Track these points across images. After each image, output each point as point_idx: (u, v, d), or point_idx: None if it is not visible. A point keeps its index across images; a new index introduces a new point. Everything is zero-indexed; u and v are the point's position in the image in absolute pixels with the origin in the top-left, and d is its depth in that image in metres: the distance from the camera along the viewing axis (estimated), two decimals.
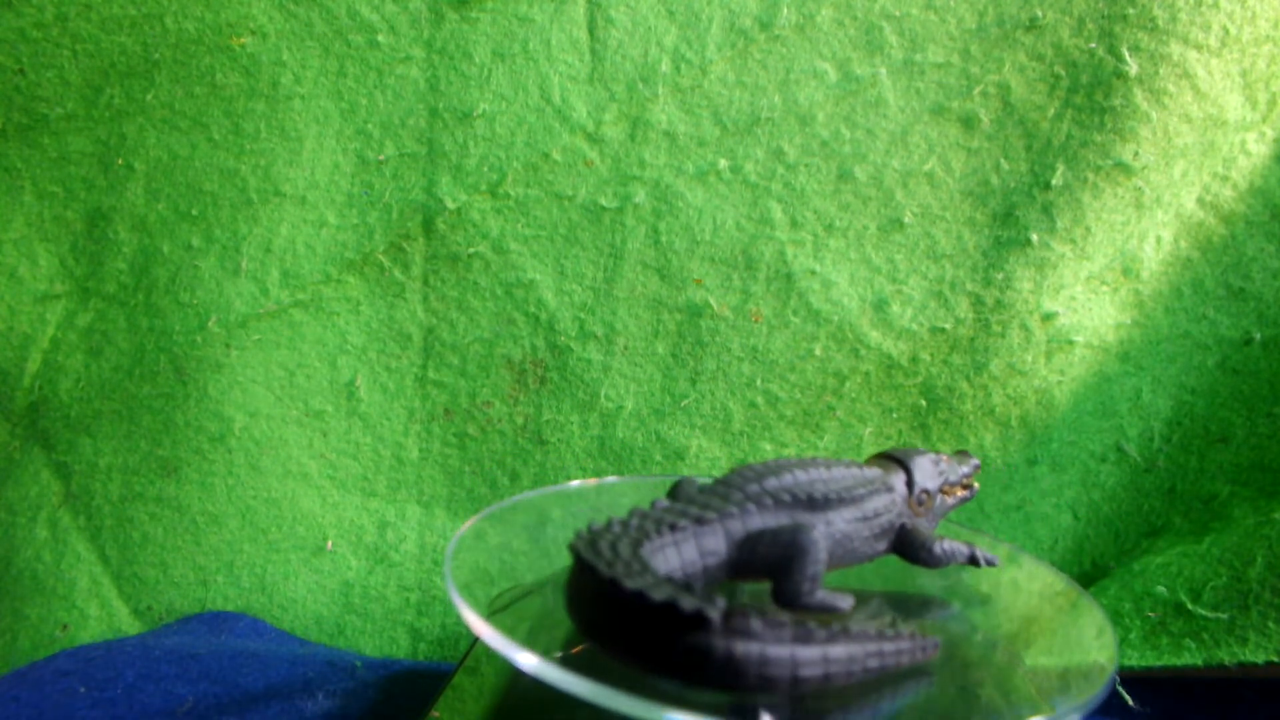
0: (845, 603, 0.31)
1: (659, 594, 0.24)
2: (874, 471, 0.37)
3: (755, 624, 0.24)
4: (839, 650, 0.26)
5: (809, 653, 0.25)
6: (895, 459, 0.39)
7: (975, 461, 0.42)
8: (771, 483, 0.32)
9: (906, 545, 0.37)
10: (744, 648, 0.24)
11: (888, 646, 0.27)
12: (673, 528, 0.30)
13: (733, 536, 0.31)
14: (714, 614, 0.23)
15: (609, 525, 0.29)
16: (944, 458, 0.40)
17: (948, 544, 0.37)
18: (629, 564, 0.26)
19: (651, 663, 0.24)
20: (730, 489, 0.32)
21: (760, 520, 0.31)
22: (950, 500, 0.40)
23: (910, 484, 0.38)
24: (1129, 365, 0.53)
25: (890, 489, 0.37)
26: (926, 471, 0.39)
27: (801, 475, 0.33)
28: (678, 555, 0.30)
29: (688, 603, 0.23)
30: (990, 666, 0.33)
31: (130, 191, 0.55)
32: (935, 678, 0.30)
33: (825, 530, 0.33)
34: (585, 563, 0.26)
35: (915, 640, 0.28)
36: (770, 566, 0.30)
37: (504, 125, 0.54)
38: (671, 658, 0.24)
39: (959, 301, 0.53)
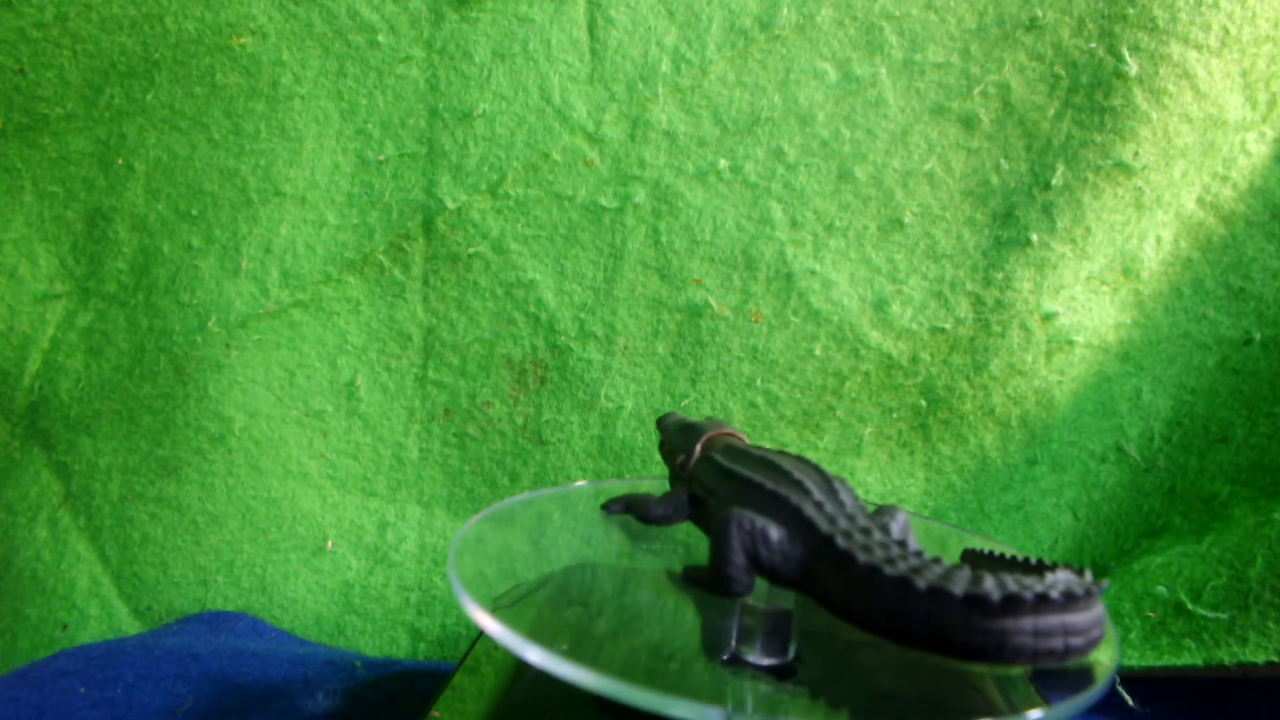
0: None
1: (1055, 591, 0.24)
2: None
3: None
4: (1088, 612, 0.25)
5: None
6: (732, 433, 0.38)
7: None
8: (828, 473, 0.32)
9: None
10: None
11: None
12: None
13: None
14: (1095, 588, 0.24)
15: (835, 515, 0.28)
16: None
17: None
18: (920, 564, 0.25)
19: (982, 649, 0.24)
20: (812, 487, 0.31)
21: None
22: None
23: None
24: (1129, 365, 0.53)
25: None
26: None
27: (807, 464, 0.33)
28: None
29: (1080, 586, 0.24)
30: None
31: (130, 191, 0.55)
32: (939, 674, 0.30)
33: None
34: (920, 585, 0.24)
35: None
36: None
37: (504, 125, 0.54)
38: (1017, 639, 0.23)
39: (959, 301, 0.53)
